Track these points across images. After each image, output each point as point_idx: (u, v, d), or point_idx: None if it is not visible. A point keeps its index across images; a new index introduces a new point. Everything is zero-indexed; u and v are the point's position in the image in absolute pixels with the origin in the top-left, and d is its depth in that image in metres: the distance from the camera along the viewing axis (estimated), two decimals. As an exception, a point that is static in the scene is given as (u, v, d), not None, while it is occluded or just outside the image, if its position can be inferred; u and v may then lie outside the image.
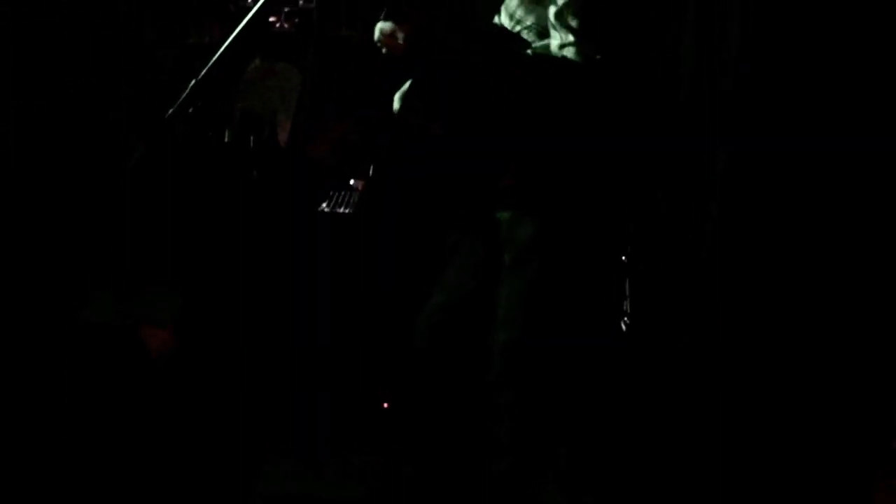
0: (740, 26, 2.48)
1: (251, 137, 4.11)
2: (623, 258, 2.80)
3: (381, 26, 2.32)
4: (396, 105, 2.49)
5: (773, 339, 2.45)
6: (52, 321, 3.39)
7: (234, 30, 2.43)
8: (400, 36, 2.27)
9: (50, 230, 3.74)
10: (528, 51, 2.31)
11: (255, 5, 2.47)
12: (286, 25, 4.72)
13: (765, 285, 2.47)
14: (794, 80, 2.41)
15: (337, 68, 4.36)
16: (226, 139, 4.12)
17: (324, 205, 3.81)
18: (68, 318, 3.45)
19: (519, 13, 2.38)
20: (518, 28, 2.37)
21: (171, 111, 2.47)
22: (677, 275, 2.67)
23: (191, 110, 2.48)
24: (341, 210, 3.80)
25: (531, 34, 2.34)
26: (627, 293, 2.87)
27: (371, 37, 2.36)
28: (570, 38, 2.23)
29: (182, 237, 3.79)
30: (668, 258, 2.73)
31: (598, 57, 2.22)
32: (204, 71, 2.48)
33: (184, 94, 2.48)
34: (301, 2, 4.69)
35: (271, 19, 4.69)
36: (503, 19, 2.42)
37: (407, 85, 2.47)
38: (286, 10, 4.70)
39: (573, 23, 2.23)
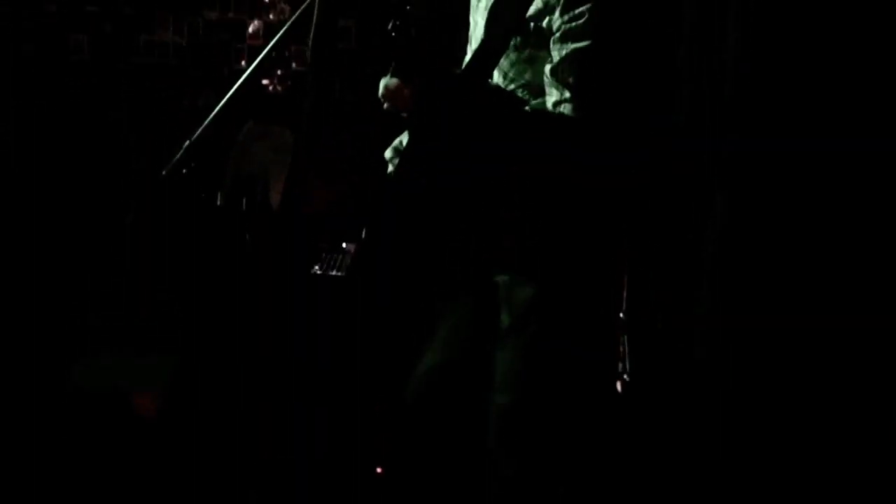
0: (739, 31, 2.48)
1: (244, 200, 4.10)
2: (622, 315, 2.78)
3: (386, 82, 2.31)
4: (388, 155, 2.48)
5: (778, 347, 2.42)
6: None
7: (227, 92, 2.43)
8: (406, 92, 2.27)
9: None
10: (526, 108, 2.31)
11: (248, 68, 2.48)
12: (279, 88, 4.73)
13: (767, 288, 2.45)
14: (792, 84, 2.40)
15: (331, 130, 4.36)
16: (218, 202, 4.10)
17: (316, 267, 3.78)
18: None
19: (512, 73, 2.38)
20: (512, 87, 2.37)
21: (165, 171, 2.45)
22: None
23: (184, 171, 2.47)
24: (334, 273, 3.77)
25: (525, 93, 2.34)
26: (627, 351, 2.85)
27: (367, 98, 2.36)
28: (567, 94, 2.23)
29: (175, 298, 3.76)
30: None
31: (591, 114, 2.22)
32: (198, 132, 2.47)
33: (178, 155, 2.47)
34: (294, 64, 4.71)
35: (265, 82, 4.71)
36: (496, 79, 2.42)
37: (401, 138, 2.47)
38: (279, 72, 4.72)
39: (570, 79, 2.23)
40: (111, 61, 4.84)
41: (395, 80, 2.30)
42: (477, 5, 2.48)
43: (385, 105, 2.34)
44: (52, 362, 3.66)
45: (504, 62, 2.39)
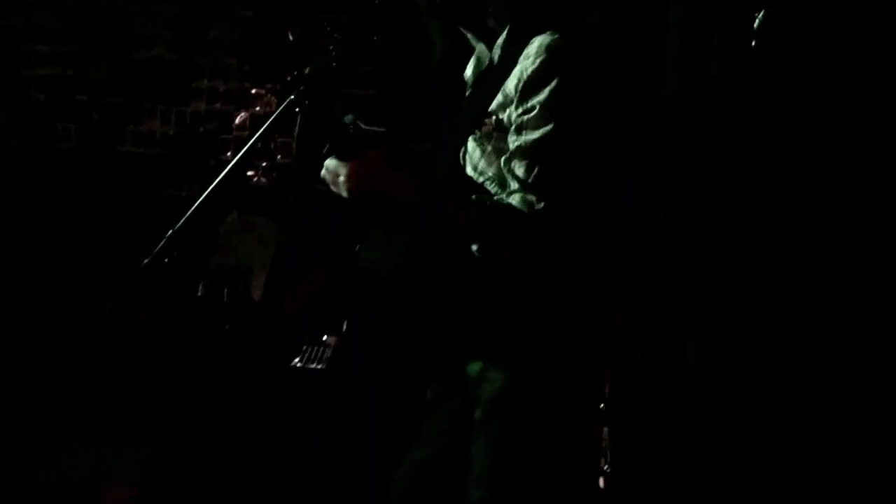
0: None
1: (225, 291, 4.08)
2: (601, 406, 2.75)
3: (326, 163, 2.32)
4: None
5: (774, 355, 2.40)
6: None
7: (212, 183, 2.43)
8: (343, 173, 2.27)
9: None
10: (479, 197, 2.33)
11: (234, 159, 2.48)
12: (264, 180, 4.76)
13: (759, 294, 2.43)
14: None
15: (314, 222, 4.36)
16: (199, 292, 4.08)
17: (297, 360, 3.74)
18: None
19: (482, 165, 2.39)
20: (481, 179, 2.38)
21: (147, 261, 2.43)
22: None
23: (167, 260, 2.46)
24: (314, 366, 3.73)
25: (493, 185, 2.35)
26: (607, 443, 2.81)
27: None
28: (516, 185, 2.25)
29: (152, 389, 3.72)
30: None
31: (541, 205, 2.22)
32: (181, 222, 2.46)
33: (160, 244, 2.45)
34: (279, 157, 4.74)
35: (249, 173, 4.73)
36: (469, 171, 2.43)
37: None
38: (264, 164, 4.75)
39: (519, 171, 2.25)
40: (98, 150, 4.86)
41: (333, 162, 2.31)
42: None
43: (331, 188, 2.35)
44: (24, 453, 3.59)
45: (474, 155, 2.41)
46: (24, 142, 4.87)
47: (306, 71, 2.30)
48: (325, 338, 3.89)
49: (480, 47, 2.51)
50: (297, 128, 2.34)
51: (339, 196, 2.35)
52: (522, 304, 2.30)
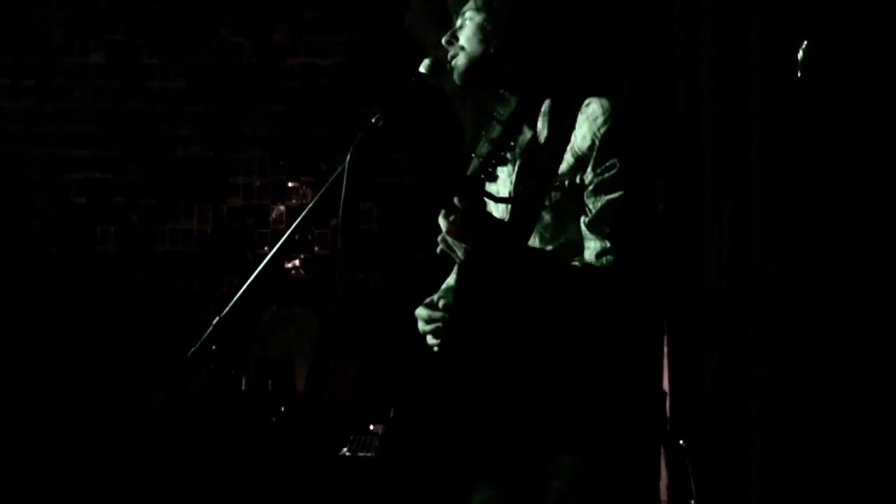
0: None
1: (269, 383, 4.06)
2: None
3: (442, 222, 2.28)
4: (422, 313, 2.44)
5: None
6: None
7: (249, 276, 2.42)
8: (461, 247, 2.23)
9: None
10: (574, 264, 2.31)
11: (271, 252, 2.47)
12: (303, 272, 4.76)
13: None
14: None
15: (356, 312, 4.36)
16: (243, 386, 4.06)
17: (345, 449, 3.70)
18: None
19: (548, 234, 2.37)
20: (550, 247, 2.36)
21: (193, 350, 2.42)
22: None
23: (213, 348, 2.44)
24: (362, 454, 3.69)
25: (567, 251, 2.34)
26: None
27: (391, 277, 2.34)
28: (607, 244, 2.23)
29: (200, 481, 3.68)
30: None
31: (626, 263, 2.22)
32: (226, 309, 2.45)
33: (205, 334, 2.44)
34: (317, 248, 4.75)
35: (288, 266, 4.74)
36: (535, 240, 2.41)
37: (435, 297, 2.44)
38: (302, 256, 4.76)
39: (601, 230, 2.24)
40: (137, 250, 4.90)
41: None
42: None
43: (440, 247, 2.31)
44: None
45: (539, 224, 2.39)
46: (63, 246, 4.92)
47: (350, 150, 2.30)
48: (371, 426, 3.86)
49: (509, 119, 2.51)
50: (339, 217, 2.33)
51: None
52: (596, 378, 2.27)
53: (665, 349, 2.61)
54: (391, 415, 2.88)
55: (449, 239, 2.25)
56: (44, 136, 5.02)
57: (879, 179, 2.27)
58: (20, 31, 5.05)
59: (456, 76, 2.47)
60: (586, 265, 2.28)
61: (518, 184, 2.47)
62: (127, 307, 4.76)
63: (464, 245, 2.22)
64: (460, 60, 2.45)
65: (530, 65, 2.42)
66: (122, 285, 4.84)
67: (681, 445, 2.65)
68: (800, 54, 2.29)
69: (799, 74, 2.29)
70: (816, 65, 2.28)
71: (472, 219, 2.23)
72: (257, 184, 4.89)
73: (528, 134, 2.48)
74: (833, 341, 2.32)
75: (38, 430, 4.29)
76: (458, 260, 2.27)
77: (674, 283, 2.67)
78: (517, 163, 2.51)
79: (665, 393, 2.81)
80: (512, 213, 2.39)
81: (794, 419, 2.36)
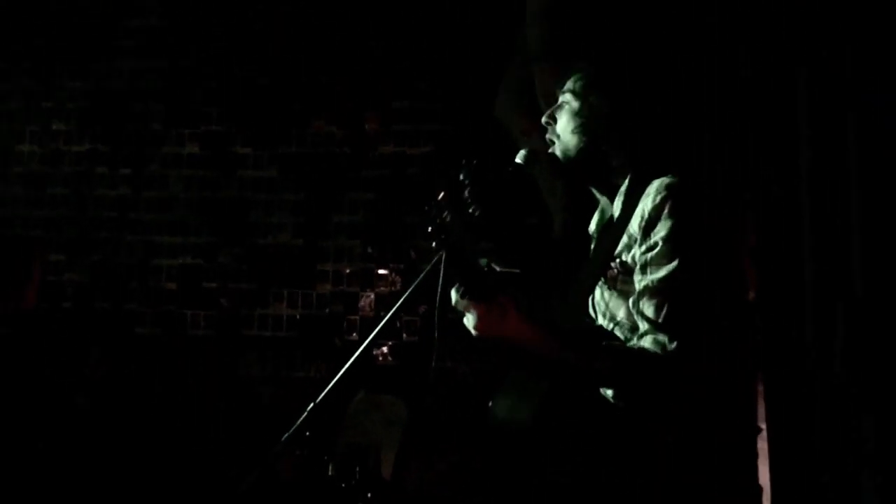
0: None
1: (356, 470, 4.03)
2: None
3: (458, 301, 2.28)
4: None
5: None
6: None
7: (338, 363, 2.42)
8: (473, 315, 2.23)
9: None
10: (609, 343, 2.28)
11: (360, 340, 2.48)
12: (391, 359, 4.76)
13: None
14: None
15: (447, 399, 4.34)
16: (330, 472, 4.05)
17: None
18: None
19: (610, 310, 2.37)
20: (611, 325, 2.35)
21: (287, 435, 2.42)
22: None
23: (307, 433, 2.44)
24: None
25: (623, 330, 2.32)
26: None
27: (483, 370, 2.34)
28: (645, 325, 2.20)
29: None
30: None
31: (673, 345, 2.15)
32: (321, 396, 2.45)
33: (301, 418, 2.44)
34: (405, 335, 4.76)
35: (376, 352, 4.75)
36: (599, 318, 2.40)
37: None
38: (390, 343, 4.76)
39: (647, 310, 2.20)
40: (228, 335, 4.95)
41: (464, 302, 2.26)
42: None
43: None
44: None
45: (602, 302, 2.39)
46: (152, 331, 5.00)
47: (446, 219, 2.31)
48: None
49: (604, 200, 2.53)
50: (437, 305, 2.34)
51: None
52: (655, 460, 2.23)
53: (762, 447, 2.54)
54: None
55: (461, 310, 2.27)
56: (138, 222, 5.15)
57: None
58: (118, 122, 5.21)
59: (556, 166, 2.49)
60: (627, 348, 2.24)
61: (586, 263, 2.48)
62: (216, 389, 4.80)
63: (472, 315, 2.22)
64: (557, 149, 2.48)
65: (619, 157, 2.44)
66: (210, 367, 4.89)
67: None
68: None
69: None
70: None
71: (476, 290, 2.22)
72: (347, 271, 4.93)
73: (608, 213, 2.50)
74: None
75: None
76: (472, 331, 2.26)
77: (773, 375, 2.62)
78: (594, 241, 2.54)
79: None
80: (573, 289, 2.39)
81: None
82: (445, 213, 2.26)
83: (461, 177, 2.34)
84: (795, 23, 2.78)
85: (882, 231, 2.41)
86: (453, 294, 2.29)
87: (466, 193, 2.32)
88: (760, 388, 2.75)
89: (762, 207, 2.98)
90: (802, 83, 2.76)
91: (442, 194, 2.28)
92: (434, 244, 2.24)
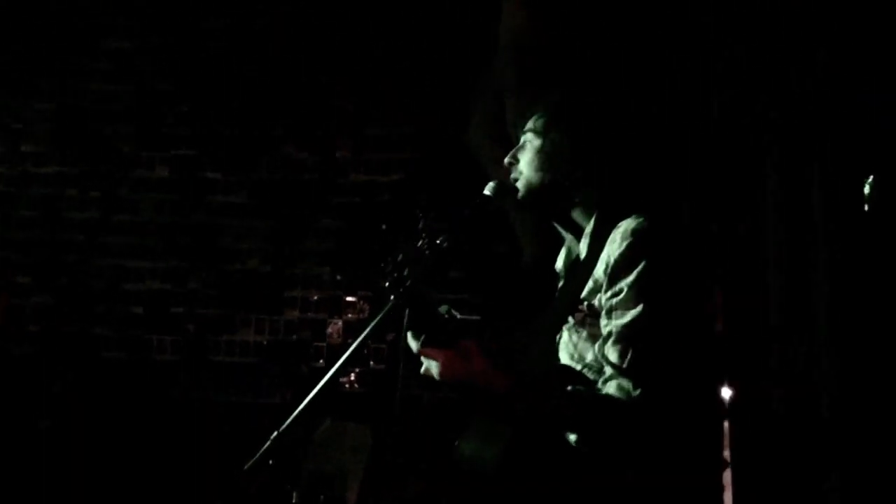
0: None
1: (321, 498, 4.02)
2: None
3: (422, 349, 2.29)
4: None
5: None
6: None
7: (305, 390, 2.42)
8: (437, 361, 2.24)
9: None
10: (575, 388, 2.28)
11: (327, 367, 2.48)
12: (357, 386, 4.75)
13: None
14: None
15: (414, 427, 4.33)
16: (294, 500, 4.02)
17: (396, 568, 3.64)
18: None
19: (579, 352, 2.38)
20: (580, 367, 2.35)
21: (250, 463, 2.41)
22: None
23: (271, 462, 2.43)
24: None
25: (591, 372, 2.32)
26: None
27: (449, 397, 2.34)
28: (610, 370, 2.21)
29: None
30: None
31: (637, 392, 2.17)
32: (285, 424, 2.44)
33: (265, 446, 2.43)
34: (372, 363, 4.75)
35: (342, 379, 4.74)
36: (565, 359, 2.41)
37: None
38: (357, 370, 4.76)
39: (612, 356, 2.21)
40: (193, 361, 4.93)
41: (429, 349, 2.28)
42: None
43: (423, 367, 2.33)
44: None
45: (569, 343, 2.40)
46: (118, 355, 4.96)
47: (404, 271, 2.32)
48: (424, 545, 3.79)
49: (570, 238, 2.54)
50: (404, 330, 2.34)
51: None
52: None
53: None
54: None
55: (423, 359, 2.28)
56: (107, 245, 5.11)
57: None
58: (88, 145, 5.19)
59: (519, 201, 2.51)
60: (592, 394, 2.25)
61: (552, 304, 2.49)
62: (181, 415, 4.77)
63: (435, 363, 2.24)
64: (520, 185, 2.50)
65: (584, 193, 2.45)
66: (176, 393, 4.86)
67: None
68: (866, 188, 2.29)
69: (866, 207, 2.29)
70: (885, 196, 2.29)
71: (438, 337, 2.24)
72: (314, 297, 4.92)
73: (574, 251, 2.51)
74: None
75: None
76: (436, 377, 2.27)
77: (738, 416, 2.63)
78: (561, 279, 2.55)
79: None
80: (541, 329, 2.41)
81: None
82: (404, 267, 2.27)
83: (419, 225, 2.36)
84: (760, 59, 2.82)
85: (846, 267, 2.44)
86: (412, 342, 2.30)
87: (424, 238, 2.33)
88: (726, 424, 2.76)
89: (728, 241, 3.01)
90: (770, 120, 2.80)
91: (399, 254, 2.29)
92: (392, 297, 2.26)
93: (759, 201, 2.80)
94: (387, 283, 2.28)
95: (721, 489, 2.61)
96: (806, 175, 2.56)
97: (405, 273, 2.30)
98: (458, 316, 2.40)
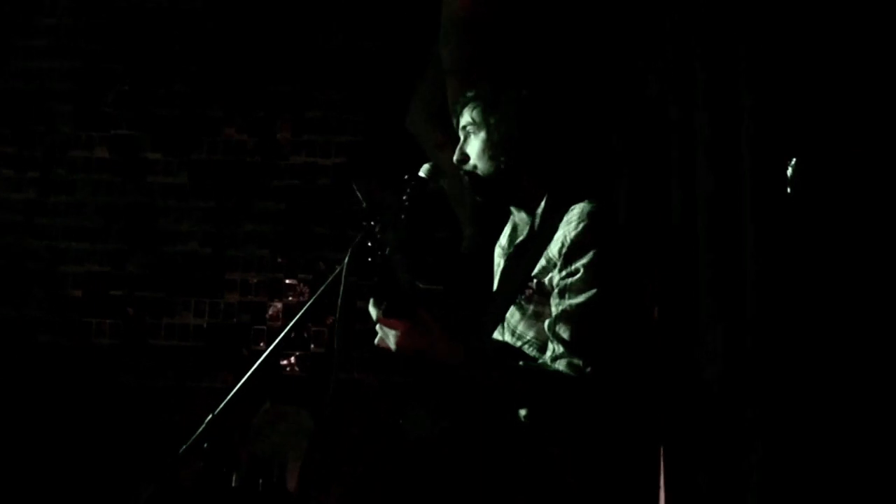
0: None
1: (259, 481, 4.00)
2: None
3: (381, 318, 2.29)
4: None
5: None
6: None
7: (244, 373, 2.42)
8: (396, 330, 2.24)
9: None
10: (526, 363, 2.31)
11: (267, 350, 2.47)
12: (298, 369, 4.74)
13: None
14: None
15: (350, 413, 4.32)
16: (233, 483, 4.01)
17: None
18: None
19: (520, 329, 2.41)
20: (520, 343, 2.38)
21: (185, 447, 2.40)
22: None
23: (205, 446, 2.42)
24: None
25: (532, 349, 2.35)
26: None
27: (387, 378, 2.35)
28: (560, 349, 2.24)
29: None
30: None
31: (588, 369, 2.19)
32: (219, 408, 2.44)
33: (199, 430, 2.42)
34: (313, 346, 4.74)
35: (283, 363, 4.72)
36: (506, 336, 2.43)
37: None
38: (298, 353, 4.74)
39: (564, 334, 2.24)
40: (132, 344, 4.88)
41: (388, 319, 2.28)
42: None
43: (378, 336, 2.33)
44: None
45: (512, 320, 2.42)
46: (56, 339, 4.90)
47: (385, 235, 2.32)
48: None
49: (520, 216, 2.56)
50: (338, 311, 2.34)
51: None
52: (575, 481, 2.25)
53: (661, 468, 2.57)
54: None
55: (379, 327, 2.29)
56: (44, 227, 5.04)
57: (873, 286, 2.28)
58: (26, 124, 5.10)
59: (477, 192, 2.52)
60: (539, 367, 2.28)
61: (499, 281, 2.51)
62: (119, 399, 4.73)
63: (393, 332, 2.25)
64: (476, 178, 2.51)
65: (540, 176, 2.47)
66: (115, 377, 4.81)
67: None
68: (789, 171, 2.32)
69: (789, 190, 2.33)
70: (805, 180, 2.32)
71: (399, 307, 2.25)
72: (254, 280, 4.89)
73: (524, 232, 2.52)
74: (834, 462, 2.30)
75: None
76: (392, 348, 2.29)
77: (670, 394, 2.66)
78: (504, 261, 2.56)
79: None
80: (489, 308, 2.43)
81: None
82: (387, 230, 2.27)
83: (404, 196, 2.37)
84: (697, 41, 2.84)
85: (772, 247, 2.47)
86: (372, 310, 2.30)
87: (405, 204, 2.35)
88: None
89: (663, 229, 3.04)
90: (700, 103, 2.82)
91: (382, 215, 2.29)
92: (370, 258, 2.25)
93: (691, 183, 2.83)
94: (369, 244, 2.27)
95: (658, 466, 2.64)
96: (736, 155, 2.59)
97: (387, 238, 2.30)
98: (422, 286, 2.41)
